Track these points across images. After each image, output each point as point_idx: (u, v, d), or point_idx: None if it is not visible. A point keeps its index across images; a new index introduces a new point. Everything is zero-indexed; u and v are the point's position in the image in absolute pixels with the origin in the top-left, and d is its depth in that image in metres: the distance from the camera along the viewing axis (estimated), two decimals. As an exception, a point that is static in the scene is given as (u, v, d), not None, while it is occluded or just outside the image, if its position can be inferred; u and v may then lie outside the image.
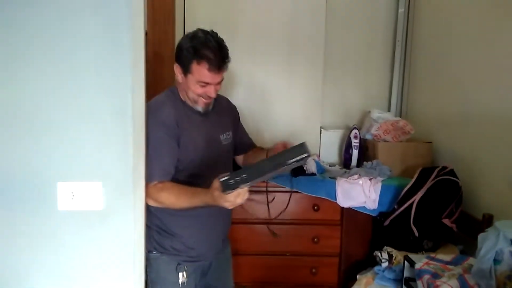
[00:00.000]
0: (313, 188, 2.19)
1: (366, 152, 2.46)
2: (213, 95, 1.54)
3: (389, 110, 2.76)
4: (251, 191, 1.36)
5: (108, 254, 1.24)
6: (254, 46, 2.52)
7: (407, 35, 2.69)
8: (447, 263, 1.64)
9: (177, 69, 1.54)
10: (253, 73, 2.55)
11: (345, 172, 2.33)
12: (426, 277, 1.53)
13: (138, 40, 1.23)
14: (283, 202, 2.17)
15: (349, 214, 2.21)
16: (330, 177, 2.24)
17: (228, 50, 1.52)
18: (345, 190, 2.15)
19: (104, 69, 1.14)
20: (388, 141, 2.37)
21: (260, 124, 2.55)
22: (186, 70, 1.50)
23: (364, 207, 2.16)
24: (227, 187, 1.27)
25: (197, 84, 1.50)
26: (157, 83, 1.99)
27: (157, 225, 1.62)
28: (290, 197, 2.17)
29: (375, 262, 2.00)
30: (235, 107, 1.88)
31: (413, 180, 2.06)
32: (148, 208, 1.52)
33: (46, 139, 1.17)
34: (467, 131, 2.08)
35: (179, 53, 1.52)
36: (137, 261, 1.27)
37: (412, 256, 1.73)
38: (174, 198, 1.47)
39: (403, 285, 1.72)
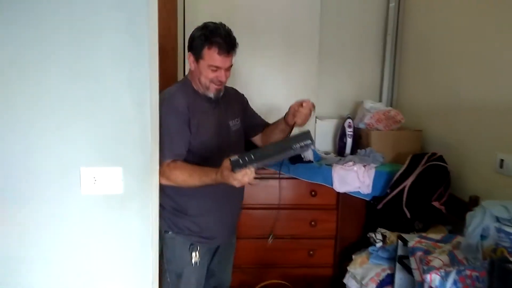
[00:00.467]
0: (310, 174, 2.30)
1: (360, 140, 2.58)
2: (223, 79, 1.64)
3: (380, 100, 2.88)
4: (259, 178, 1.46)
5: (128, 234, 1.33)
6: (252, 40, 2.61)
7: (397, 28, 2.81)
8: (438, 241, 1.76)
9: (190, 57, 1.65)
10: (252, 66, 2.64)
11: (340, 159, 2.45)
12: (419, 253, 1.64)
13: (153, 36, 1.31)
14: (282, 187, 2.28)
15: (345, 198, 2.33)
16: (326, 164, 2.36)
17: (235, 38, 1.65)
18: (341, 176, 2.27)
19: (126, 63, 1.22)
20: (380, 130, 2.49)
21: (260, 114, 2.64)
22: (198, 56, 1.62)
23: (359, 192, 2.28)
24: (236, 166, 1.39)
25: (208, 69, 1.61)
26: (160, 76, 2.07)
27: (172, 206, 1.71)
28: (279, 184, 2.26)
29: (370, 243, 2.12)
30: (243, 94, 1.98)
31: (405, 166, 2.19)
32: (163, 190, 1.62)
33: (70, 128, 1.24)
34: (454, 119, 2.20)
35: (191, 42, 1.64)
36: (154, 239, 1.36)
37: (405, 235, 1.85)
38: (186, 175, 1.56)
39: (397, 262, 1.84)
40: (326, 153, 2.69)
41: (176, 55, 2.26)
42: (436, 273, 1.43)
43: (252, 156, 1.40)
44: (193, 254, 1.70)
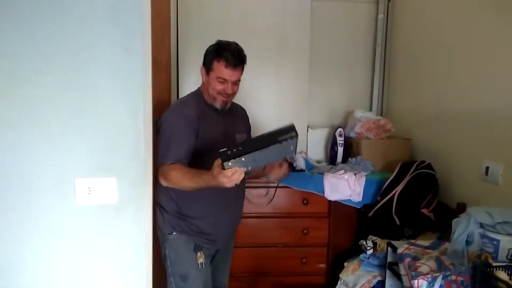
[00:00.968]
0: (302, 183, 2.34)
1: (351, 149, 2.62)
2: (229, 91, 1.73)
3: (370, 110, 2.93)
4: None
5: (122, 243, 1.35)
6: (244, 50, 2.65)
7: (386, 39, 2.87)
8: (426, 247, 1.80)
9: (202, 70, 1.77)
10: (243, 76, 2.67)
11: (332, 168, 2.49)
12: (407, 260, 1.68)
13: (147, 49, 1.35)
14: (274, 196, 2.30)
15: (336, 206, 2.37)
16: (318, 173, 2.40)
17: (245, 56, 1.75)
18: (332, 184, 2.31)
19: (119, 75, 1.26)
20: (370, 139, 2.54)
21: (252, 123, 2.66)
22: (208, 69, 1.73)
23: (350, 200, 2.32)
24: (226, 158, 1.41)
25: (216, 81, 1.71)
26: (154, 88, 2.11)
27: (175, 209, 1.75)
28: (275, 191, 2.24)
29: (361, 250, 2.16)
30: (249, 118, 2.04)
31: (394, 173, 2.24)
32: (167, 193, 1.73)
33: (65, 139, 1.27)
34: (442, 128, 2.25)
35: (205, 57, 1.76)
36: (148, 247, 1.39)
37: (395, 242, 1.89)
38: (181, 176, 1.61)
39: (387, 269, 1.88)
40: (318, 161, 2.73)
41: (169, 67, 2.30)
42: (423, 279, 1.46)
43: (239, 147, 1.44)
44: (198, 254, 1.73)
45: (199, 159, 1.69)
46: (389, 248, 1.88)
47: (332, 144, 2.66)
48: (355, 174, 2.32)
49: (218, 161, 1.45)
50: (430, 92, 2.38)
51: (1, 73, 1.22)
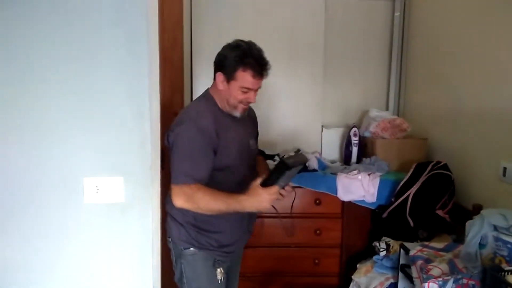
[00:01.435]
0: (315, 183, 2.32)
1: (365, 149, 2.59)
2: (253, 100, 1.62)
3: (387, 109, 2.88)
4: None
5: (129, 241, 1.37)
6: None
7: (403, 37, 2.82)
8: (440, 250, 1.76)
9: (219, 77, 1.59)
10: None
11: (345, 168, 2.46)
12: (419, 262, 1.65)
13: (154, 50, 1.37)
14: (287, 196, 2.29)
15: (350, 207, 2.34)
16: (331, 173, 2.37)
17: (267, 60, 1.61)
18: (345, 185, 2.28)
19: (125, 77, 1.28)
20: (385, 138, 2.49)
21: (266, 124, 2.68)
22: (230, 78, 1.57)
23: (363, 200, 2.29)
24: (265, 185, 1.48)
25: (239, 90, 1.58)
26: (166, 87, 2.13)
27: (192, 223, 1.65)
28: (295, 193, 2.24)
29: (374, 252, 2.12)
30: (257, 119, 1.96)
31: (409, 174, 2.19)
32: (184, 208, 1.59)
33: (73, 140, 1.30)
34: (459, 128, 2.20)
35: (223, 62, 1.58)
36: (155, 247, 1.40)
37: (408, 244, 1.85)
38: (210, 199, 1.50)
39: (399, 271, 1.84)
40: (332, 161, 2.71)
41: (182, 66, 2.31)
42: (434, 282, 1.44)
43: (272, 175, 1.50)
44: (218, 270, 1.65)
45: (219, 172, 1.60)
46: (401, 250, 1.84)
47: (346, 144, 2.63)
48: (369, 175, 2.29)
49: (255, 182, 1.49)
50: (447, 91, 2.32)
51: (9, 76, 1.25)
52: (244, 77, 1.56)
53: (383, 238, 2.13)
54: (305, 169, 2.33)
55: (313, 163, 2.38)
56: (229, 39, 1.69)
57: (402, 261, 1.85)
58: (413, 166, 2.22)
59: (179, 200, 1.52)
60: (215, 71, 1.62)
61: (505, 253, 1.37)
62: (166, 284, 1.60)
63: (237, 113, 1.65)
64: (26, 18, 1.22)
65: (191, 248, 1.65)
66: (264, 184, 1.48)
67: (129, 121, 1.31)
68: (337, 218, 2.38)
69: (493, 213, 1.47)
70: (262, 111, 2.56)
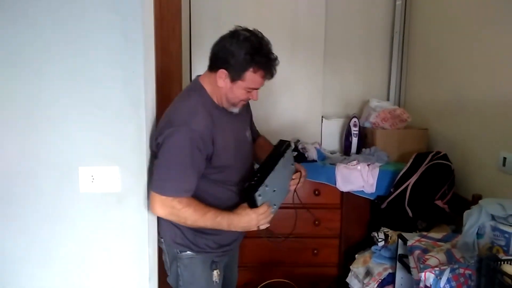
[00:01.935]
0: (314, 174, 2.31)
1: (365, 139, 2.57)
2: (256, 98, 1.52)
3: (388, 99, 2.86)
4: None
5: (125, 231, 1.38)
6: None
7: (404, 27, 2.78)
8: (438, 240, 1.75)
9: (222, 74, 1.43)
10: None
11: (345, 158, 2.45)
12: (417, 252, 1.64)
13: (149, 36, 1.36)
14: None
15: (349, 198, 2.33)
16: (330, 164, 2.36)
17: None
18: (344, 175, 2.27)
19: (120, 64, 1.27)
20: (386, 129, 2.48)
21: (266, 114, 2.67)
22: (236, 77, 1.43)
23: (363, 191, 2.28)
24: (253, 188, 1.42)
25: (243, 90, 1.46)
26: (164, 77, 2.12)
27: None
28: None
29: (373, 242, 2.12)
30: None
31: (408, 164, 2.18)
32: None
33: (68, 128, 1.30)
34: (460, 118, 2.18)
35: (229, 59, 1.41)
36: (151, 236, 1.40)
37: (406, 234, 1.84)
38: (197, 216, 1.41)
39: (397, 261, 1.84)
40: (332, 152, 2.70)
41: (180, 57, 2.30)
42: (431, 272, 1.43)
43: (257, 175, 1.45)
44: (215, 272, 1.60)
45: (215, 170, 1.50)
46: (399, 240, 1.84)
47: (346, 135, 2.62)
48: (368, 165, 2.28)
49: (244, 205, 1.45)
50: (448, 82, 2.30)
51: (2, 64, 1.24)
52: (254, 78, 1.43)
53: (382, 228, 2.12)
54: (304, 160, 2.32)
55: (312, 154, 2.37)
56: (230, 29, 1.58)
57: (400, 251, 1.84)
58: (413, 156, 2.21)
59: (163, 211, 1.39)
60: (217, 66, 1.44)
61: (502, 242, 1.36)
62: (162, 274, 1.60)
63: (236, 110, 1.54)
64: (18, 3, 1.21)
65: (188, 252, 1.56)
66: (250, 187, 1.42)
67: (125, 109, 1.30)
68: (336, 209, 2.37)
69: (491, 202, 1.46)
70: (262, 101, 2.55)
